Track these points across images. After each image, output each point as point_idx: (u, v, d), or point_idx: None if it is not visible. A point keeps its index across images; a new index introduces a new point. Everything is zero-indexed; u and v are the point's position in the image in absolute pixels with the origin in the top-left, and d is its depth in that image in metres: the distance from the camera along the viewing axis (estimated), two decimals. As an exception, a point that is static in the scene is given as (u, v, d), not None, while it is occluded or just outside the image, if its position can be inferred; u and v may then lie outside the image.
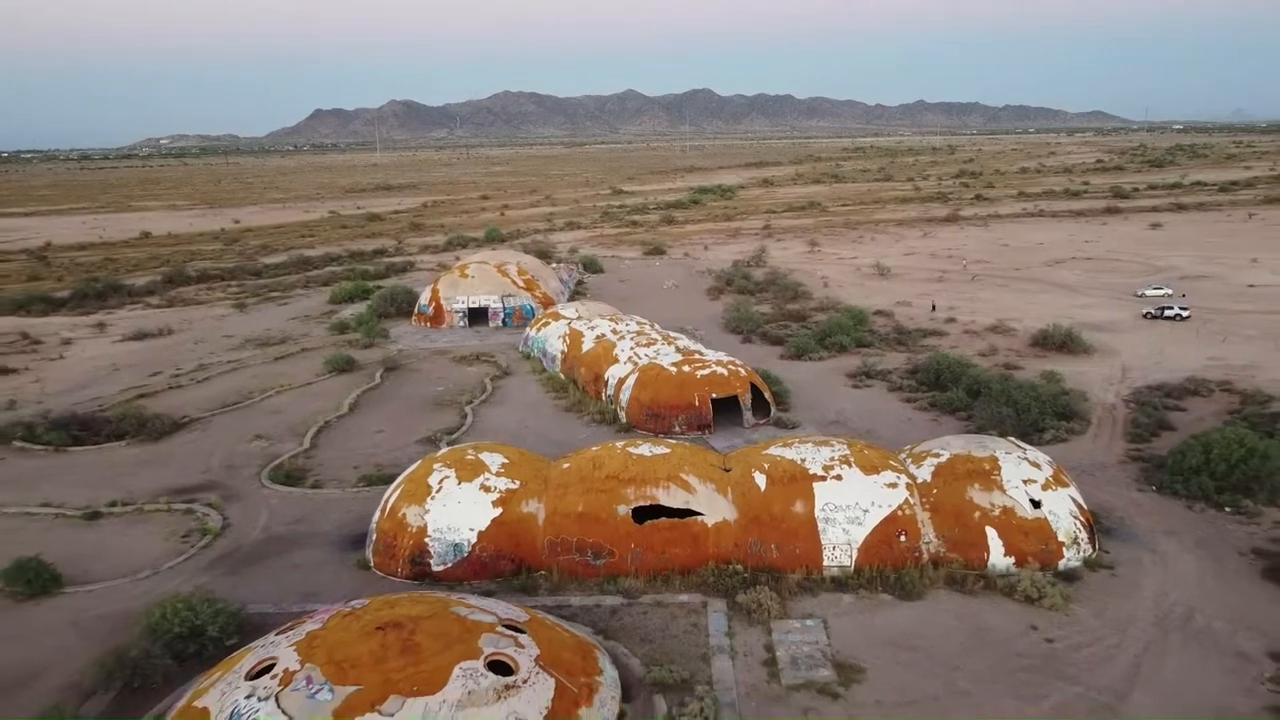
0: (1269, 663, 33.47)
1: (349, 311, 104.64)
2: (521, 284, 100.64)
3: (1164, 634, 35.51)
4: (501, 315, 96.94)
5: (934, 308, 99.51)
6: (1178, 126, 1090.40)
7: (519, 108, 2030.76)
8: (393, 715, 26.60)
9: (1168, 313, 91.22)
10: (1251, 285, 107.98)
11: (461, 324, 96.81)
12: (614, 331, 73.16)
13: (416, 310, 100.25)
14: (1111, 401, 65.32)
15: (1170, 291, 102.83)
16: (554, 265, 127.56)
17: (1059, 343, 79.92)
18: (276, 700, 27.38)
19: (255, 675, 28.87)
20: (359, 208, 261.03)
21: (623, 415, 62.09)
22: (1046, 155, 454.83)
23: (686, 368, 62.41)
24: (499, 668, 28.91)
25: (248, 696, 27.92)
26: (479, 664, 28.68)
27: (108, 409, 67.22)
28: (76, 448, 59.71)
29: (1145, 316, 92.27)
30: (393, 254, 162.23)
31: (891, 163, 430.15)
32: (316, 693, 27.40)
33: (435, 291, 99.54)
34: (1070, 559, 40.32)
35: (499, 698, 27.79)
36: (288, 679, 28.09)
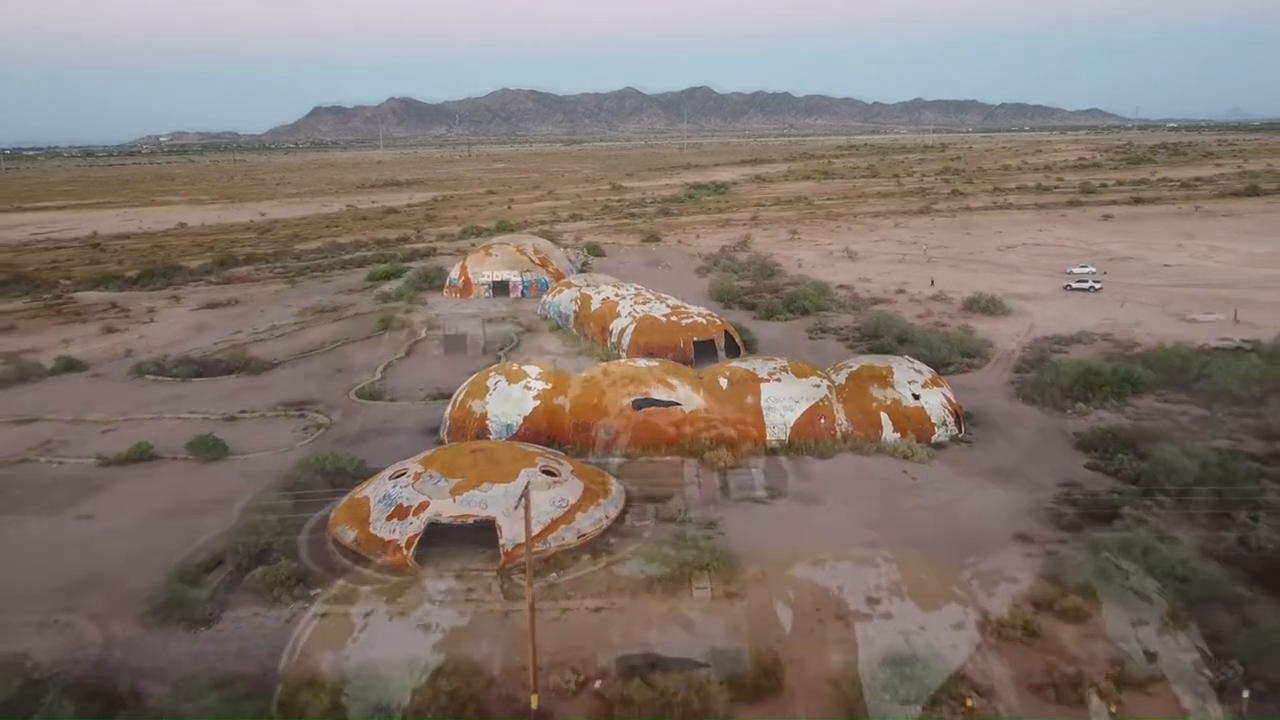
0: (1055, 488, 50.30)
1: (387, 286, 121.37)
2: (537, 261, 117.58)
3: (992, 476, 52.46)
4: (520, 287, 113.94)
5: (932, 283, 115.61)
6: (1171, 125, 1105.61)
7: (518, 105, 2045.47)
8: (486, 491, 43.51)
9: (1082, 285, 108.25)
10: (1166, 265, 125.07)
11: (486, 295, 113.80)
12: (616, 294, 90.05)
13: (447, 284, 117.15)
14: (1012, 348, 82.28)
15: (1093, 270, 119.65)
16: (562, 249, 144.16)
17: (983, 307, 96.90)
18: (412, 486, 44.31)
19: (395, 477, 45.80)
20: (373, 202, 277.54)
21: (624, 356, 78.77)
22: (1033, 153, 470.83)
23: (674, 318, 79.42)
24: (548, 473, 45.81)
25: (393, 486, 44.86)
26: (536, 470, 45.62)
27: (213, 354, 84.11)
28: (198, 379, 76.57)
29: (1065, 289, 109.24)
30: (414, 242, 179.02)
31: (881, 160, 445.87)
32: (438, 482, 44.31)
33: (464, 267, 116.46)
34: (940, 435, 57.26)
35: (550, 486, 44.71)
36: (417, 477, 45.04)
